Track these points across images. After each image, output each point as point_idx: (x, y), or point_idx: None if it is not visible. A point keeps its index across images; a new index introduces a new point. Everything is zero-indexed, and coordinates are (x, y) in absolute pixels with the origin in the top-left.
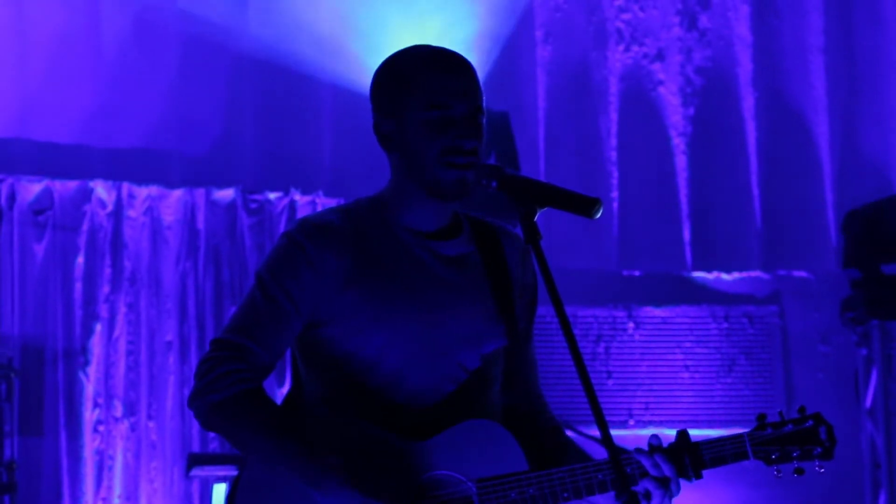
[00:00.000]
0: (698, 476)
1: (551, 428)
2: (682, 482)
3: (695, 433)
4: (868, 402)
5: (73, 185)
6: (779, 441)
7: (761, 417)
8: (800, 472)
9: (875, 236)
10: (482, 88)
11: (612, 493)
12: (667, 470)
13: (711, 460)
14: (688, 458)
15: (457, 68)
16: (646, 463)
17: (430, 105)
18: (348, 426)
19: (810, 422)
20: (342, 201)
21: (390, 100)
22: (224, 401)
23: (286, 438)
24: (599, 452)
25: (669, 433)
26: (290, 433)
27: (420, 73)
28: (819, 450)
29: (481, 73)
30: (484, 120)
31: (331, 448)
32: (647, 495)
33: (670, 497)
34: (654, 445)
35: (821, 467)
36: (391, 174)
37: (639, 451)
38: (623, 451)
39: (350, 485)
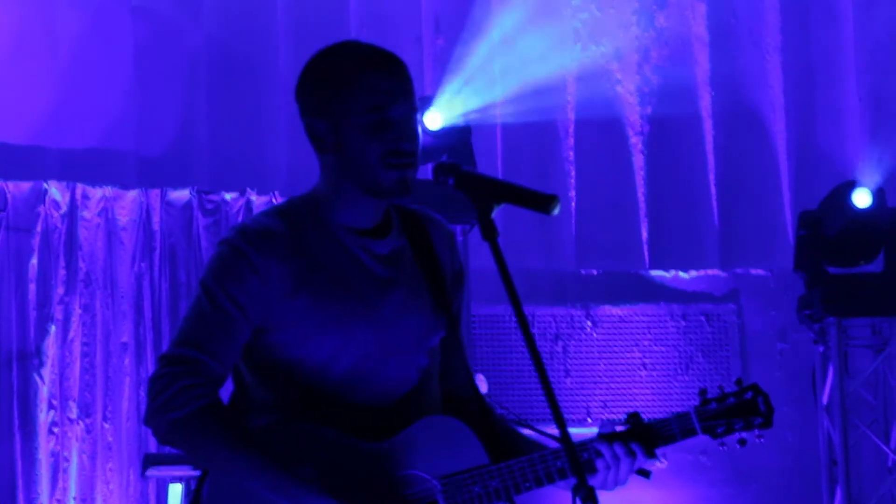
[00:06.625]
0: (652, 455)
1: (491, 412)
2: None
3: None
4: (825, 399)
5: (26, 185)
6: (723, 414)
7: (703, 393)
8: (743, 442)
9: (820, 239)
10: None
11: (571, 480)
12: (621, 452)
13: (663, 439)
14: (641, 440)
15: (394, 69)
16: (603, 450)
17: (369, 108)
18: (308, 433)
19: (749, 393)
20: None
21: (325, 101)
22: (184, 418)
23: (254, 453)
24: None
25: None
26: (256, 447)
27: (357, 74)
28: (760, 420)
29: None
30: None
31: (296, 457)
32: (606, 472)
33: (626, 477)
34: (607, 433)
35: (760, 436)
36: (322, 173)
37: (595, 438)
38: (581, 448)
39: (322, 494)
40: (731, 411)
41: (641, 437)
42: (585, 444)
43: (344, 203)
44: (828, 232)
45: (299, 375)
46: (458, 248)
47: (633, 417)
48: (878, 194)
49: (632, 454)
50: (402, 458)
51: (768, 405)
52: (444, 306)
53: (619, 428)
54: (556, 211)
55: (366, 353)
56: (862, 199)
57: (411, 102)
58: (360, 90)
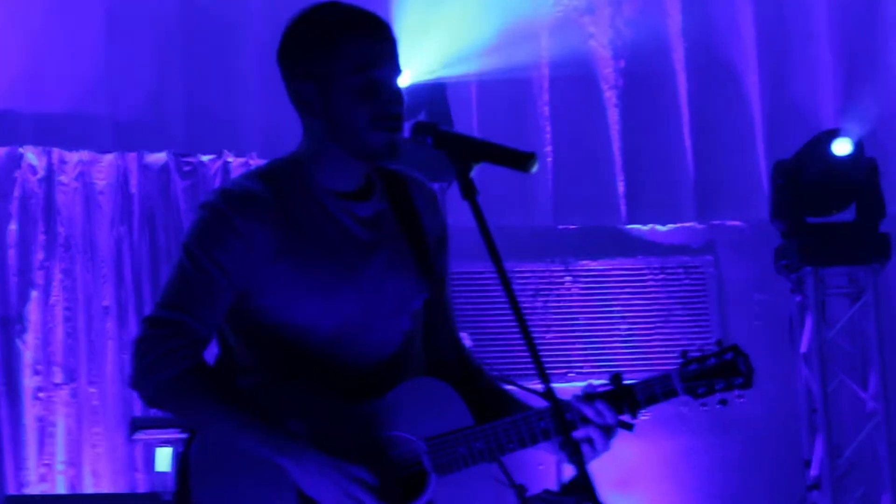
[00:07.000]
0: (635, 416)
1: (480, 374)
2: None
3: (633, 384)
4: (803, 348)
5: (2, 151)
6: (704, 375)
7: (684, 354)
8: (724, 402)
9: (798, 188)
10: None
11: (555, 440)
12: (607, 414)
13: (646, 400)
14: (623, 401)
15: (379, 32)
16: (586, 410)
17: (357, 70)
18: (293, 393)
19: (730, 353)
20: None
21: (311, 64)
22: (170, 379)
23: (241, 410)
24: (540, 404)
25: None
26: (244, 406)
27: (344, 37)
28: (740, 380)
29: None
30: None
31: (283, 416)
32: (590, 441)
33: (610, 441)
34: (591, 393)
35: (740, 396)
36: (306, 136)
37: (578, 398)
38: (564, 404)
39: (313, 449)
40: (711, 372)
41: (623, 398)
42: (569, 404)
43: (327, 166)
44: (805, 180)
45: (283, 338)
46: (442, 209)
47: (615, 379)
48: (858, 144)
49: (615, 413)
50: (387, 420)
51: (748, 365)
52: (428, 268)
53: (601, 390)
54: (535, 169)
55: (349, 316)
56: (842, 147)
57: (396, 65)
58: (347, 53)
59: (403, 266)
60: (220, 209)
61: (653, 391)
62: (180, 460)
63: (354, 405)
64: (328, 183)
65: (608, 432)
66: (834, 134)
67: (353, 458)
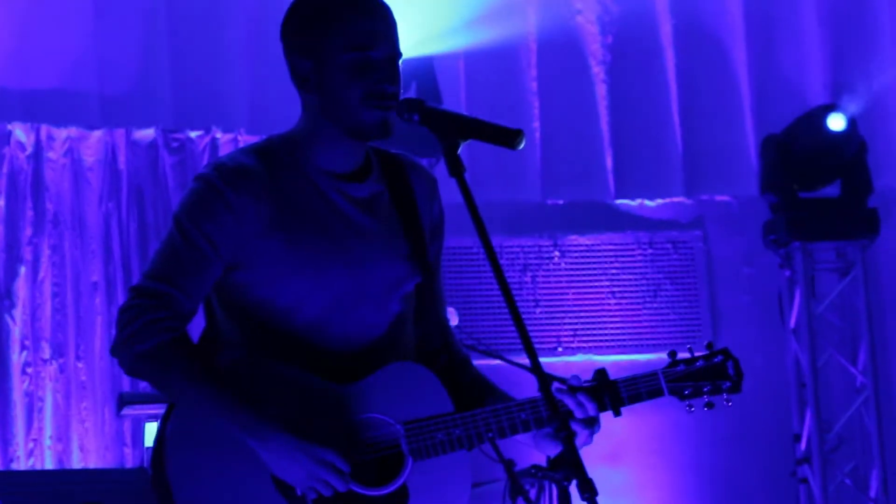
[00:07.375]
0: (617, 413)
1: (465, 363)
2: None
3: (622, 358)
4: (792, 323)
5: None
6: (691, 377)
7: (673, 354)
8: (710, 405)
9: (789, 162)
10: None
11: (534, 432)
12: (590, 408)
13: (629, 398)
14: (607, 397)
15: (378, 12)
16: (569, 403)
17: (351, 48)
18: (275, 371)
19: (719, 357)
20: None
21: (309, 40)
22: (150, 350)
23: (217, 387)
24: (528, 380)
25: (598, 359)
26: (220, 382)
27: (341, 14)
28: (728, 384)
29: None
30: (400, 64)
31: (261, 394)
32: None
33: (592, 434)
34: (575, 386)
35: (728, 401)
36: (304, 113)
37: (561, 391)
38: (552, 378)
39: (284, 431)
40: (699, 374)
41: (607, 394)
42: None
43: (323, 145)
44: (796, 155)
45: (268, 316)
46: (440, 196)
47: (600, 374)
48: (851, 120)
49: (597, 406)
50: (367, 402)
51: (738, 369)
52: (421, 253)
53: (585, 384)
54: (522, 145)
55: (338, 295)
56: (836, 123)
57: (394, 45)
58: (343, 30)
59: (396, 249)
60: (213, 182)
61: (637, 389)
62: (157, 433)
63: (336, 386)
64: (323, 163)
65: (590, 425)
66: (827, 109)
67: (328, 440)
